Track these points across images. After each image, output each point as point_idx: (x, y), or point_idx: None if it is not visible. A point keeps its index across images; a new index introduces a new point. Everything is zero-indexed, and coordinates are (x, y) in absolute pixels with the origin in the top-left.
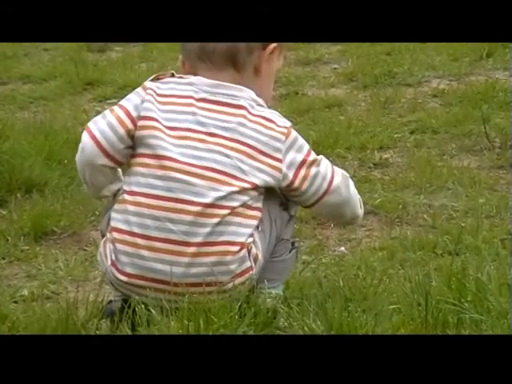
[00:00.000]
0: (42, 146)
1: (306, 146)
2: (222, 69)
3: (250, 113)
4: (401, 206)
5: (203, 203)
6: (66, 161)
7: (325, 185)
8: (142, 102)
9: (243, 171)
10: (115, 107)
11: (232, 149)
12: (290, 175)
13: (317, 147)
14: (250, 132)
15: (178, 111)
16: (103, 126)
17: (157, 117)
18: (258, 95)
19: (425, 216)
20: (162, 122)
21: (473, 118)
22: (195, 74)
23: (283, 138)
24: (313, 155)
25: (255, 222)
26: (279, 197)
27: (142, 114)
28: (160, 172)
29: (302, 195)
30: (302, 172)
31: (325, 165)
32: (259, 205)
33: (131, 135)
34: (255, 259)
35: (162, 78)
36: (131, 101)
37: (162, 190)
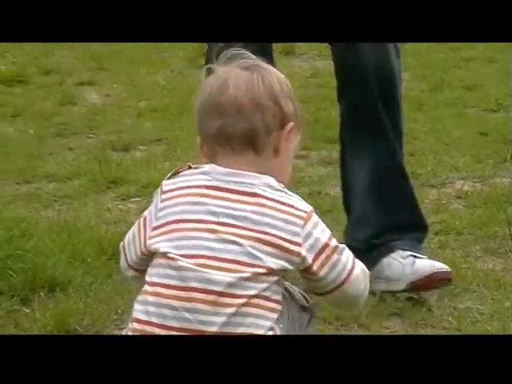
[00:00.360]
0: (66, 244)
1: (328, 232)
2: (240, 152)
3: (266, 198)
4: (425, 309)
5: (217, 291)
6: (89, 259)
7: (344, 274)
8: (156, 208)
9: (255, 256)
10: (141, 220)
11: (243, 237)
12: (309, 259)
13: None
14: (266, 219)
15: (188, 202)
16: (127, 241)
17: (169, 220)
18: (276, 175)
19: (450, 319)
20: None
21: (497, 220)
22: (214, 157)
23: (302, 222)
24: (335, 241)
25: (275, 316)
26: (298, 298)
27: (155, 224)
28: (174, 263)
29: (319, 281)
30: (323, 257)
31: (346, 254)
32: (278, 297)
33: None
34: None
35: (180, 172)
36: (150, 211)
37: (176, 280)
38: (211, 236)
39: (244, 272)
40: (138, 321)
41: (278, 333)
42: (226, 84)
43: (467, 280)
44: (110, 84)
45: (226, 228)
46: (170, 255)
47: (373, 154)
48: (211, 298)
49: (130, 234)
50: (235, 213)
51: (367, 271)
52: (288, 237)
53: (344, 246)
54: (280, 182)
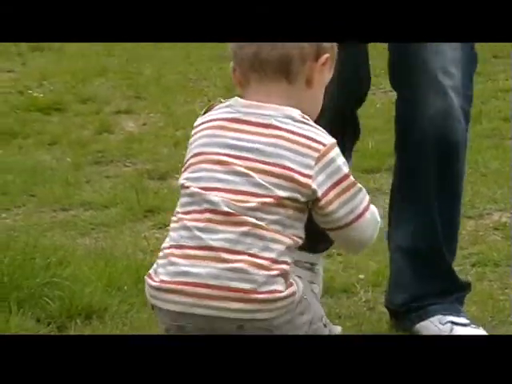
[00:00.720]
0: (103, 272)
1: (345, 169)
2: (273, 79)
3: (282, 130)
4: None
5: (225, 211)
6: (125, 287)
7: (354, 215)
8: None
9: (265, 187)
10: None
11: (254, 169)
12: (320, 193)
13: (377, 277)
14: (279, 150)
15: (209, 135)
16: None
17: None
18: (307, 107)
19: None
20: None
21: None
22: (247, 84)
23: (317, 155)
24: (351, 180)
25: (290, 242)
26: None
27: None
28: (189, 190)
29: (327, 215)
30: (332, 194)
31: (361, 196)
32: (292, 231)
33: None
34: (289, 288)
35: (211, 108)
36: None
37: (193, 205)
38: (224, 168)
39: (252, 202)
40: (161, 249)
41: (293, 275)
42: None
43: (505, 312)
44: (147, 113)
45: (238, 160)
46: (187, 184)
47: (415, 220)
48: (220, 217)
49: None
50: (249, 145)
51: (378, 219)
52: (299, 168)
53: (362, 187)
54: (309, 114)
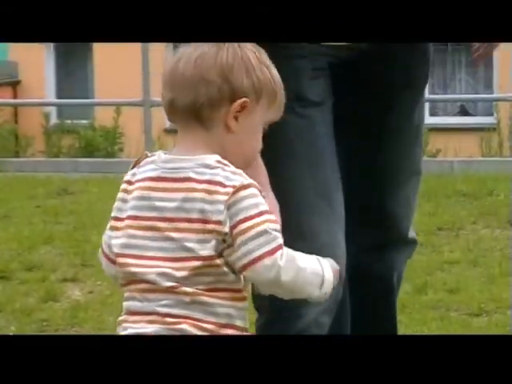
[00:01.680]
0: None
1: (257, 210)
2: (192, 127)
3: (197, 181)
4: None
5: (165, 287)
6: None
7: (248, 258)
8: (119, 199)
9: (191, 249)
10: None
11: (177, 230)
12: (226, 231)
13: None
14: (198, 204)
15: (137, 197)
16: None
17: (123, 215)
18: (233, 153)
19: None
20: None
21: None
22: (178, 129)
23: (226, 197)
24: (255, 221)
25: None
26: None
27: (114, 214)
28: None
29: (232, 252)
30: (234, 232)
31: (264, 239)
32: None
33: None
34: None
35: (139, 162)
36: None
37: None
38: (151, 234)
39: (184, 270)
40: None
41: (240, 324)
42: (178, 60)
43: None
44: (94, 280)
45: (164, 223)
46: (120, 252)
47: None
48: (161, 288)
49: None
50: (171, 204)
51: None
52: (213, 217)
53: (267, 229)
54: (236, 158)
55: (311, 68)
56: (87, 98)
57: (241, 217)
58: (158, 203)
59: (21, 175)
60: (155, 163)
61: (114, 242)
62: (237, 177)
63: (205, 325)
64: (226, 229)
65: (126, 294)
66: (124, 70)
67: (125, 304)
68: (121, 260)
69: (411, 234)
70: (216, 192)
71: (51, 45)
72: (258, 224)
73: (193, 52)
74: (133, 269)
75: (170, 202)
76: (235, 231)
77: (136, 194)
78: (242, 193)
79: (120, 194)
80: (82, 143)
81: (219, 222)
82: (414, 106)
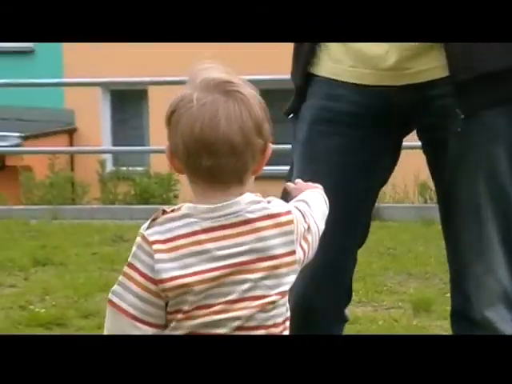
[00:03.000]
0: None
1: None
2: (227, 184)
3: (257, 220)
4: None
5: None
6: None
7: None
8: (152, 259)
9: (269, 287)
10: (127, 270)
11: (254, 271)
12: (301, 254)
13: None
14: (268, 242)
15: (190, 254)
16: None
17: (177, 274)
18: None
19: None
20: (182, 275)
21: None
22: (192, 180)
23: (292, 227)
24: (305, 221)
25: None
26: None
27: (161, 276)
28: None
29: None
30: (304, 245)
31: (312, 223)
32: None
33: (158, 295)
34: None
35: (156, 219)
36: (140, 259)
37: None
38: (224, 281)
39: (257, 306)
40: None
41: None
42: (217, 121)
43: None
44: None
45: (237, 268)
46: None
47: None
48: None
49: (118, 289)
50: (238, 249)
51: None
52: (288, 249)
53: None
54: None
55: None
56: (142, 146)
57: (301, 234)
58: (220, 253)
59: (77, 223)
60: (192, 217)
61: (186, 298)
62: (279, 202)
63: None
64: (298, 255)
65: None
66: None
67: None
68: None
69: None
70: (279, 224)
71: (108, 92)
72: (308, 223)
73: (219, 112)
74: (208, 318)
75: (238, 247)
76: (303, 244)
77: (184, 251)
78: (295, 214)
79: (147, 254)
80: (138, 190)
81: (292, 253)
82: None
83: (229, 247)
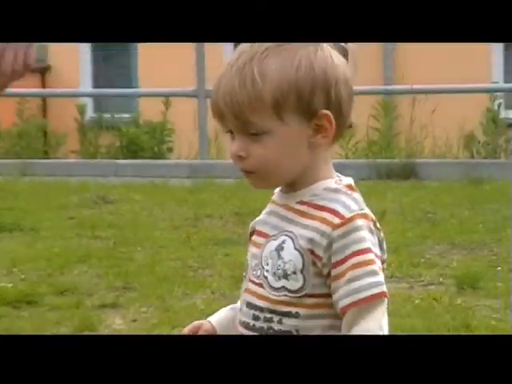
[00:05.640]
0: None
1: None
2: None
3: None
4: None
5: None
6: None
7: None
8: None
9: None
10: (376, 259)
11: None
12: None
13: None
14: None
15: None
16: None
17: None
18: None
19: None
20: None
21: None
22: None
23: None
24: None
25: None
26: None
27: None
28: None
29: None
30: (344, 267)
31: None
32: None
33: None
34: None
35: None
36: (376, 245)
37: None
38: None
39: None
40: None
41: None
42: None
43: None
44: (138, 306)
45: None
46: None
47: None
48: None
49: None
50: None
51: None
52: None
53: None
54: None
55: None
56: (130, 88)
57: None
58: None
59: (51, 180)
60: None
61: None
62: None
63: None
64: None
65: None
66: (174, 56)
67: None
68: None
69: None
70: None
71: None
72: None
73: None
74: None
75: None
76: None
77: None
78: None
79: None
80: (124, 142)
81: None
82: None
83: None
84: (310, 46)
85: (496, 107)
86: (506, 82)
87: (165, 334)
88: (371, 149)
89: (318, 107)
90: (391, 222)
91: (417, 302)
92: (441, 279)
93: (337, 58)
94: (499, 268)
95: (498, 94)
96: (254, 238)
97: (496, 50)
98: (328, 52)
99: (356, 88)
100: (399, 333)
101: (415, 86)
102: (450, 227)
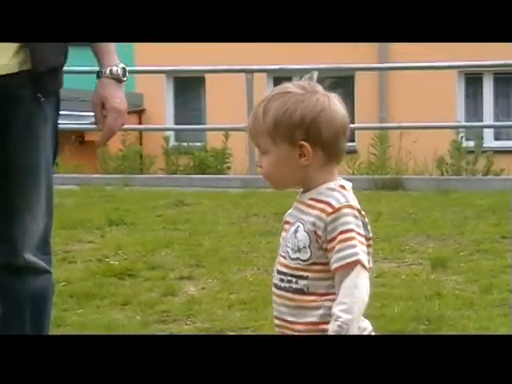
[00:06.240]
0: None
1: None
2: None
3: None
4: None
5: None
6: None
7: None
8: (364, 225)
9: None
10: (357, 236)
11: None
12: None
13: None
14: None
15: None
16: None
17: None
18: None
19: None
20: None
21: None
22: (324, 167)
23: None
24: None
25: None
26: None
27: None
28: None
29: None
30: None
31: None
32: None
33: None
34: None
35: (345, 188)
36: (360, 227)
37: None
38: None
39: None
40: None
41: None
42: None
43: None
44: (206, 279)
45: None
46: None
47: None
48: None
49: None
50: None
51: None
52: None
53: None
54: None
55: None
56: (201, 124)
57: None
58: None
59: (145, 189)
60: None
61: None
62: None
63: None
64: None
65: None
66: (231, 97)
67: None
68: None
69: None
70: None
71: (171, 78)
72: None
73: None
74: None
75: None
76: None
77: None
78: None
79: (363, 219)
80: (196, 162)
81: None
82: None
83: None
84: (306, 95)
85: (460, 139)
86: (466, 121)
87: (165, 334)
88: (370, 168)
89: (297, 139)
90: (384, 220)
91: (403, 277)
92: (420, 261)
93: (334, 105)
94: (462, 253)
95: (460, 129)
96: (284, 225)
97: (459, 96)
98: (323, 100)
99: (358, 125)
100: (391, 300)
101: (402, 124)
102: (426, 224)
